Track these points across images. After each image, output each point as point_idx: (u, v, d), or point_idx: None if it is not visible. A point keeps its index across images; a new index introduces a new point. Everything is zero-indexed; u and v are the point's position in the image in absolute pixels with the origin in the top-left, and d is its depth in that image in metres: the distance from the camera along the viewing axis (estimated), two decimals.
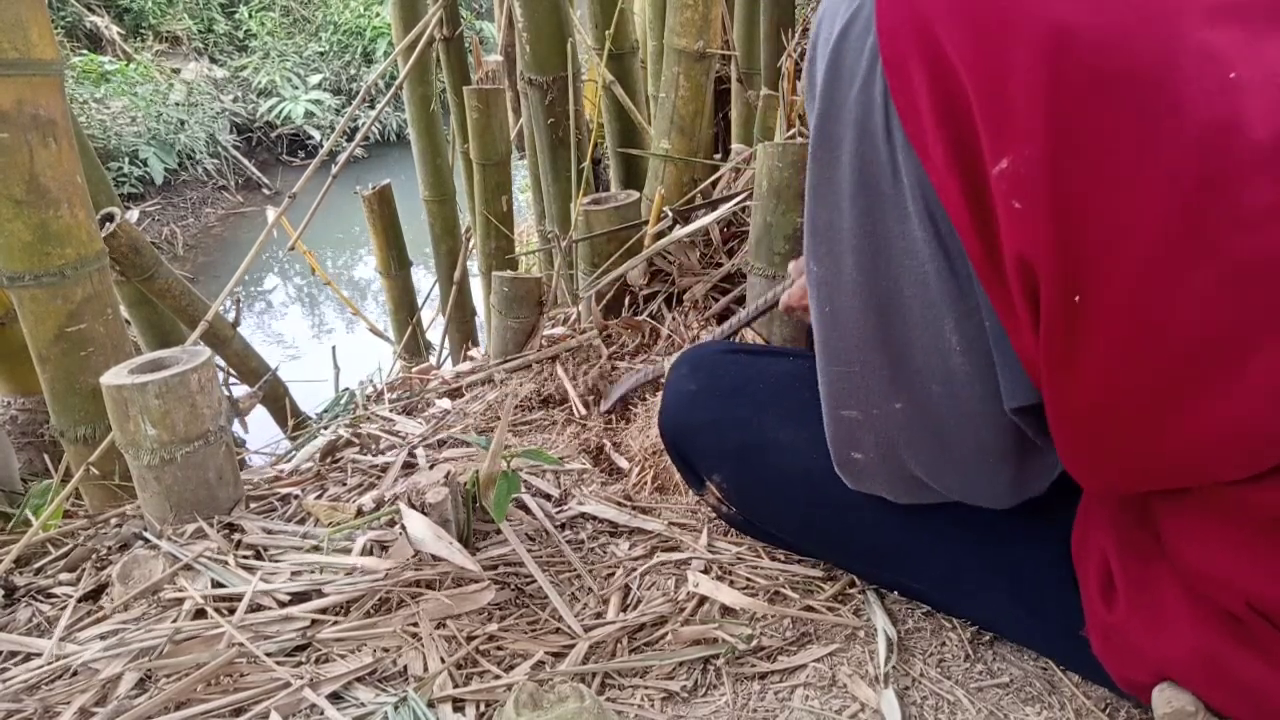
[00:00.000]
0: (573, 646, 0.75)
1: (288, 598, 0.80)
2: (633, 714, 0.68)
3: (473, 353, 2.05)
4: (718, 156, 1.85)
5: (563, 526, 0.96)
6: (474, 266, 2.40)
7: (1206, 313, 0.44)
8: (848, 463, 0.68)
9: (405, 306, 2.56)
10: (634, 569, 0.86)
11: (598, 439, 1.22)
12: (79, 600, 0.84)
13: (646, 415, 1.22)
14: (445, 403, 1.41)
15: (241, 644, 0.73)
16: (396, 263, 2.49)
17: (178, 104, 7.39)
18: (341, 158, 1.91)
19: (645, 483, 1.09)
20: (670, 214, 1.52)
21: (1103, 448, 0.53)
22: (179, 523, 0.93)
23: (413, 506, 0.87)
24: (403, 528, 0.86)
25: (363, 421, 1.34)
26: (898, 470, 0.65)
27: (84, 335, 1.23)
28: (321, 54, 9.21)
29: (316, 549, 0.88)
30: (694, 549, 0.89)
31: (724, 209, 1.46)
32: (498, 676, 0.72)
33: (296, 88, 8.66)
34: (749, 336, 1.30)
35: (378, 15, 9.17)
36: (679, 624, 0.77)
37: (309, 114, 8.43)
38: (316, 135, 8.41)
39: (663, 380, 1.23)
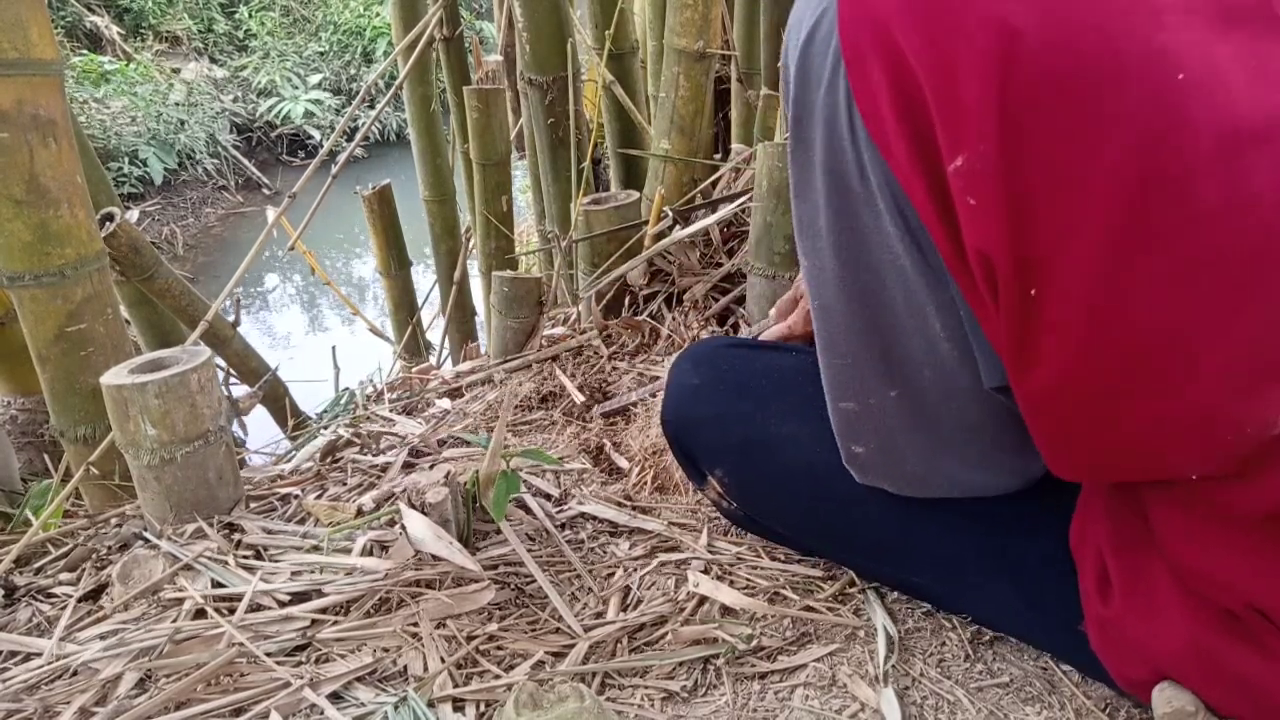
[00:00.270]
0: (573, 646, 0.75)
1: (288, 598, 0.80)
2: (633, 714, 0.68)
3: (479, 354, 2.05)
4: (718, 156, 1.85)
5: (563, 526, 0.96)
6: (474, 266, 2.40)
7: (1156, 310, 0.45)
8: (852, 457, 0.70)
9: (405, 306, 2.56)
10: (634, 569, 0.86)
11: (598, 439, 1.22)
12: (79, 600, 0.84)
13: (646, 415, 1.22)
14: (445, 402, 1.41)
15: (241, 644, 0.73)
16: (396, 263, 2.49)
17: (178, 104, 7.39)
18: (341, 158, 1.92)
19: (645, 483, 1.10)
20: (670, 214, 1.52)
21: (1065, 435, 0.54)
22: (179, 523, 0.93)
23: (413, 506, 0.87)
24: (403, 528, 0.86)
25: (363, 421, 1.34)
26: (898, 463, 0.66)
27: (84, 335, 1.23)
28: (321, 54, 9.21)
29: (316, 549, 0.88)
30: (694, 549, 0.89)
31: (725, 210, 1.46)
32: (498, 676, 0.72)
33: (296, 88, 8.66)
34: (748, 333, 1.30)
35: (378, 15, 9.17)
36: (679, 624, 0.77)
37: (309, 114, 8.43)
38: (316, 135, 8.41)
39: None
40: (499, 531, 0.90)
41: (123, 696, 0.70)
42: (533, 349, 1.52)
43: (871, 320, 0.59)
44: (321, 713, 0.68)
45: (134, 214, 2.20)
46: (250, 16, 9.18)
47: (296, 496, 1.06)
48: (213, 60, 8.95)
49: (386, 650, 0.75)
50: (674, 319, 1.44)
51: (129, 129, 6.74)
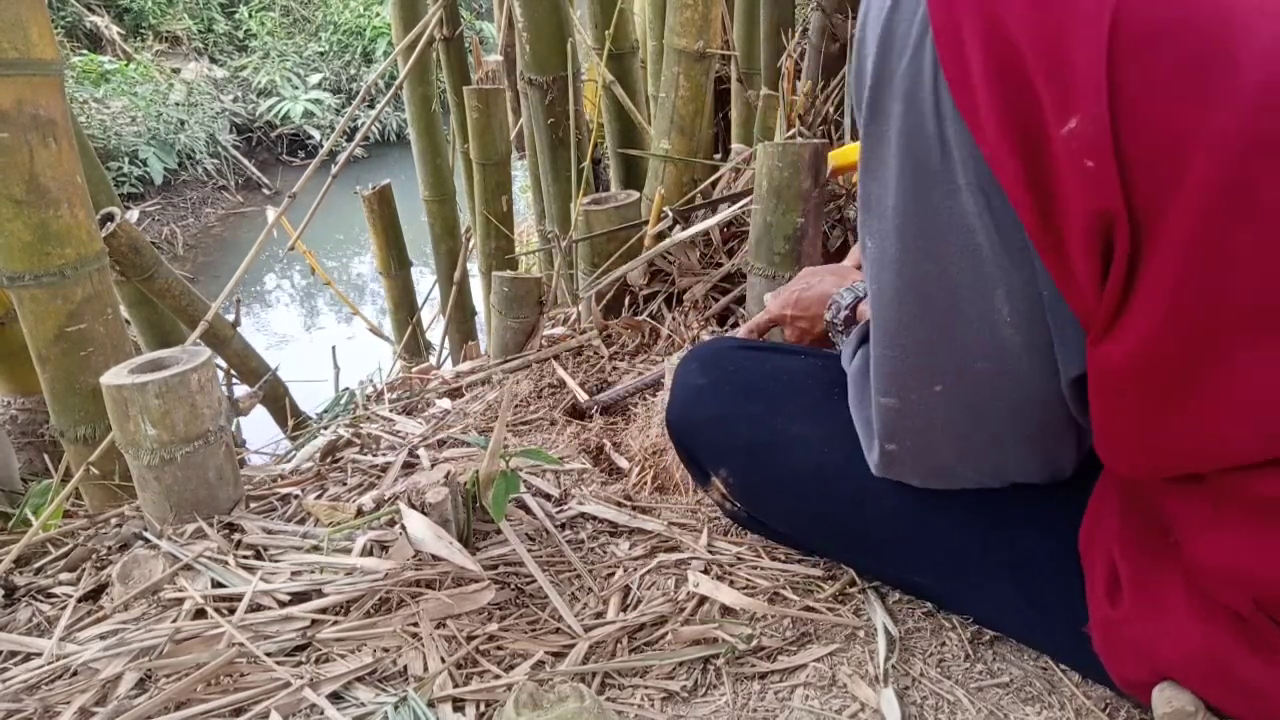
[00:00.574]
0: (573, 646, 0.75)
1: (288, 598, 0.80)
2: (633, 714, 0.68)
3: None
4: (718, 156, 1.85)
5: (563, 526, 0.96)
6: (474, 266, 2.40)
7: (1246, 277, 0.44)
8: (882, 454, 0.68)
9: (405, 306, 2.56)
10: (634, 569, 0.86)
11: (598, 439, 1.22)
12: (79, 600, 0.84)
13: (646, 415, 1.22)
14: (445, 402, 1.41)
15: (241, 644, 0.73)
16: (396, 262, 2.49)
17: (178, 104, 7.39)
18: (341, 158, 1.92)
19: (645, 483, 1.09)
20: (670, 214, 1.52)
21: (1134, 419, 0.53)
22: (179, 523, 0.93)
23: (413, 506, 0.87)
24: (403, 528, 0.86)
25: (363, 421, 1.34)
26: (930, 458, 0.66)
27: (84, 335, 1.23)
28: (321, 54, 9.21)
29: (316, 549, 0.88)
30: (694, 549, 0.89)
31: (726, 212, 1.46)
32: (498, 676, 0.72)
33: (296, 88, 8.66)
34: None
35: (378, 15, 9.18)
36: (679, 624, 0.77)
37: (309, 114, 8.43)
38: (316, 135, 8.41)
39: (663, 381, 1.24)
40: (499, 531, 0.90)
41: (123, 696, 0.70)
42: (533, 349, 1.52)
43: (926, 309, 0.58)
44: (321, 713, 0.68)
45: (134, 214, 2.20)
46: (250, 16, 9.18)
47: (296, 496, 1.06)
48: (213, 60, 8.95)
49: (386, 650, 0.75)
50: (674, 319, 1.44)
51: (129, 129, 6.74)
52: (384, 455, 1.17)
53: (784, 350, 0.89)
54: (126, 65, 7.40)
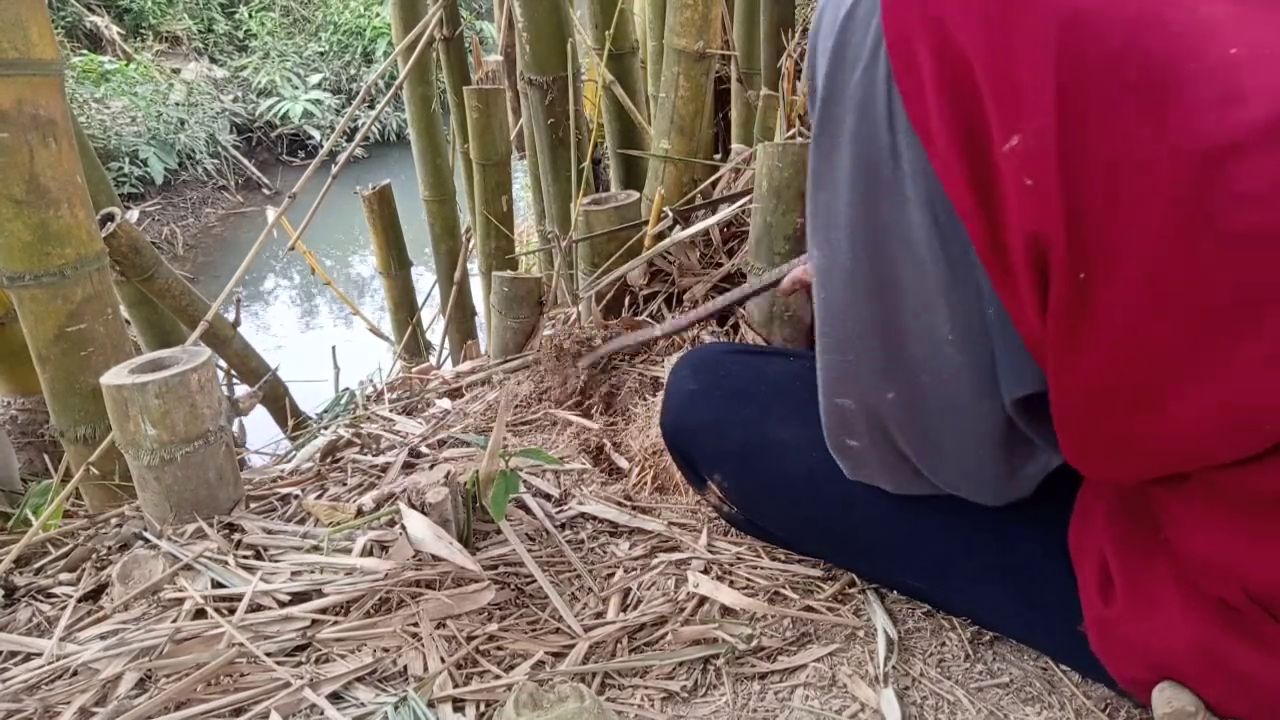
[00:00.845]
0: (573, 646, 0.75)
1: (288, 598, 0.80)
2: (633, 714, 0.68)
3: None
4: (718, 156, 1.85)
5: (563, 526, 0.96)
6: (474, 266, 2.40)
7: (1205, 289, 0.44)
8: (844, 450, 0.69)
9: (405, 306, 2.56)
10: (634, 569, 0.86)
11: (598, 439, 1.22)
12: (79, 600, 0.84)
13: (646, 415, 1.22)
14: (445, 403, 1.41)
15: (241, 644, 0.73)
16: (396, 262, 2.49)
17: (178, 104, 7.39)
18: (341, 158, 1.91)
19: (645, 483, 1.09)
20: (670, 214, 1.52)
21: (1105, 431, 0.53)
22: (179, 523, 0.93)
23: (413, 506, 0.87)
24: (403, 528, 0.86)
25: (363, 421, 1.34)
26: (893, 457, 0.66)
27: (84, 335, 1.23)
28: (321, 54, 9.21)
29: (316, 549, 0.88)
30: (694, 549, 0.89)
31: (726, 211, 1.46)
32: (498, 676, 0.72)
33: (296, 88, 8.66)
34: (750, 337, 1.30)
35: (378, 15, 9.17)
36: (679, 624, 0.77)
37: (309, 114, 8.43)
38: (316, 135, 8.40)
39: (650, 345, 1.23)
40: (499, 531, 0.90)
41: (123, 696, 0.70)
42: (533, 349, 1.52)
43: (877, 317, 0.58)
44: (321, 713, 0.68)
45: (134, 214, 2.20)
46: (250, 16, 9.18)
47: (296, 496, 1.06)
48: (213, 60, 8.94)
49: (386, 650, 0.75)
50: (674, 319, 1.43)
51: (129, 129, 6.74)
52: (384, 455, 1.17)
53: (775, 353, 0.90)
54: (126, 65, 7.40)
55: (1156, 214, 0.44)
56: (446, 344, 2.58)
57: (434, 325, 2.63)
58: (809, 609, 0.78)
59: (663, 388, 1.22)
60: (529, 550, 0.88)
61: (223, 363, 1.91)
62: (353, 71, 9.13)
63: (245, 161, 7.89)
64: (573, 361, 1.33)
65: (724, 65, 1.99)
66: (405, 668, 0.73)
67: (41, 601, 0.87)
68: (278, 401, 2.01)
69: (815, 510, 0.78)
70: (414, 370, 1.84)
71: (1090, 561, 0.61)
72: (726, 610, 0.79)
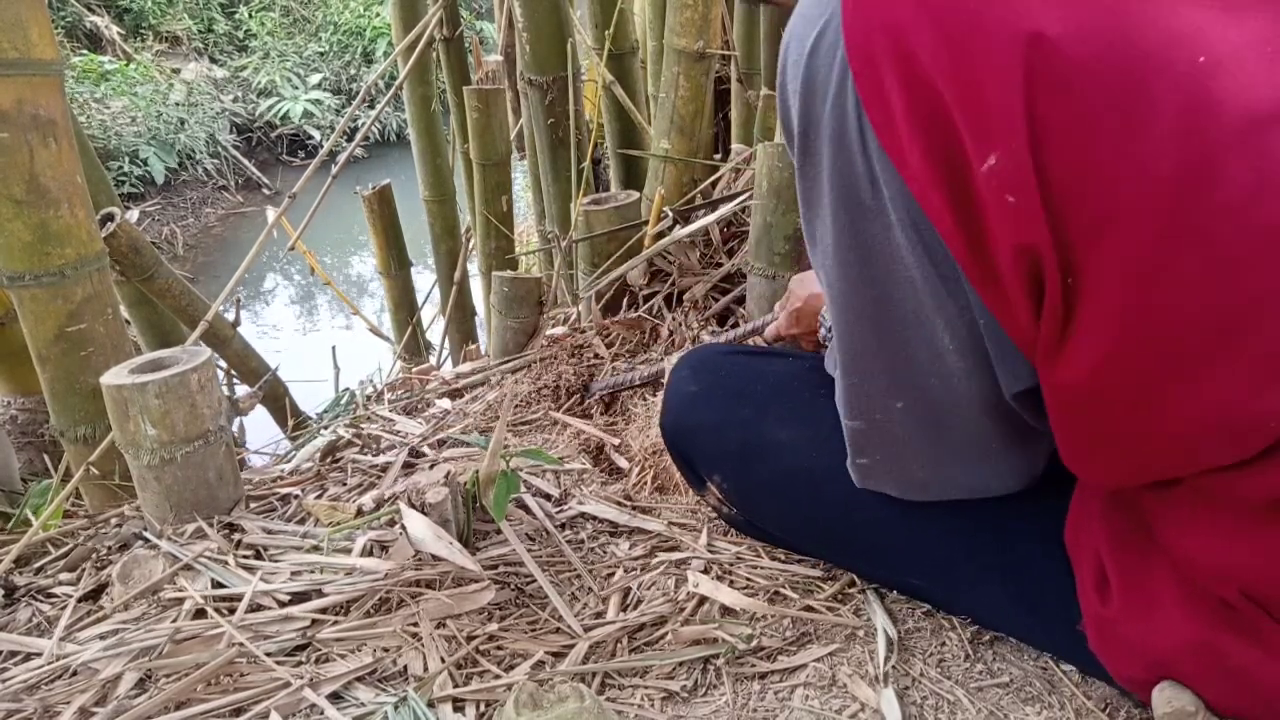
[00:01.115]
0: (573, 646, 0.75)
1: (288, 598, 0.80)
2: (633, 714, 0.68)
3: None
4: (718, 156, 1.85)
5: (563, 526, 0.96)
6: (474, 267, 2.40)
7: (1193, 297, 0.44)
8: (857, 466, 0.70)
9: (405, 306, 2.56)
10: (634, 569, 0.86)
11: (598, 439, 1.22)
12: (79, 600, 0.84)
13: (646, 415, 1.22)
14: (445, 403, 1.41)
15: (241, 644, 0.73)
16: (396, 262, 2.49)
17: (178, 104, 7.39)
18: (341, 158, 1.92)
19: (645, 483, 1.10)
20: (670, 214, 1.52)
21: (1097, 436, 0.53)
22: (179, 523, 0.93)
23: (413, 506, 0.87)
24: (403, 528, 0.86)
25: (363, 421, 1.34)
26: (904, 470, 0.67)
27: (84, 335, 1.23)
28: (321, 54, 9.21)
29: (316, 549, 0.88)
30: (694, 549, 0.89)
31: (725, 209, 1.46)
32: (498, 676, 0.72)
33: (296, 88, 8.66)
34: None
35: (378, 15, 9.17)
36: (679, 624, 0.77)
37: (309, 114, 8.43)
38: (316, 135, 8.41)
39: (662, 380, 1.24)
40: (499, 531, 0.90)
41: (123, 696, 0.70)
42: (533, 349, 1.52)
43: (877, 336, 0.59)
44: (321, 713, 0.68)
45: (134, 214, 2.20)
46: (250, 16, 9.18)
47: (296, 496, 1.06)
48: (213, 60, 8.94)
49: (386, 650, 0.75)
50: (674, 319, 1.44)
51: (129, 129, 6.74)
52: (384, 455, 1.17)
53: (773, 354, 0.90)
54: (126, 65, 7.40)
55: (1135, 227, 0.44)
56: (446, 344, 2.58)
57: (434, 325, 2.63)
58: (809, 609, 0.78)
59: (663, 388, 1.23)
60: (529, 550, 0.88)
61: (223, 363, 1.91)
62: (353, 71, 9.13)
63: (245, 161, 7.89)
64: (582, 388, 1.33)
65: (724, 65, 1.99)
66: (405, 668, 0.73)
67: (41, 601, 0.87)
68: (278, 401, 2.01)
69: (815, 511, 0.78)
70: (414, 370, 1.84)
71: (1087, 561, 0.61)
72: (726, 610, 0.79)
